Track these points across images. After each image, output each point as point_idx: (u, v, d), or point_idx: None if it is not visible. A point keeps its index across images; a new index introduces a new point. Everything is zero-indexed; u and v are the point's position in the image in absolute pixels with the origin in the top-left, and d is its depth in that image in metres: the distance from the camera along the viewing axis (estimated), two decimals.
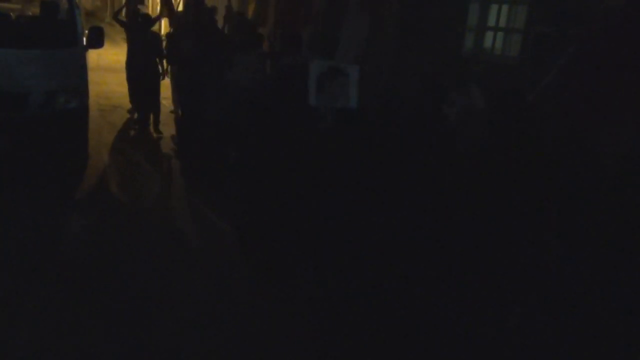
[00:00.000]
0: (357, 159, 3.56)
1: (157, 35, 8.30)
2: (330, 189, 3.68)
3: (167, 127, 7.69)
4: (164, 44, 7.87)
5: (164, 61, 7.70)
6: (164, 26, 9.19)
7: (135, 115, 7.97)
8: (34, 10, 7.84)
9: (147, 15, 8.65)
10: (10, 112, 5.21)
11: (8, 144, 5.26)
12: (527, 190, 2.87)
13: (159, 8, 9.41)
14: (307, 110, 3.74)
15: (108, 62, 10.29)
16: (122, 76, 8.07)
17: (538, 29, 5.50)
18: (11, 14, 7.57)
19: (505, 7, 6.23)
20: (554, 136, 3.20)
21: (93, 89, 6.64)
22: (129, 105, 8.23)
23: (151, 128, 7.66)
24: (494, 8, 6.32)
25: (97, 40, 6.35)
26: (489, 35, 6.41)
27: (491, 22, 6.36)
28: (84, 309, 3.35)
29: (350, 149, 3.64)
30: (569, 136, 3.15)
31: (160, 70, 7.69)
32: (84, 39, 6.30)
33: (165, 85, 7.92)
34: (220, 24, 9.00)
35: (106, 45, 6.28)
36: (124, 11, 9.52)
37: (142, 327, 3.24)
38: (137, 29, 7.63)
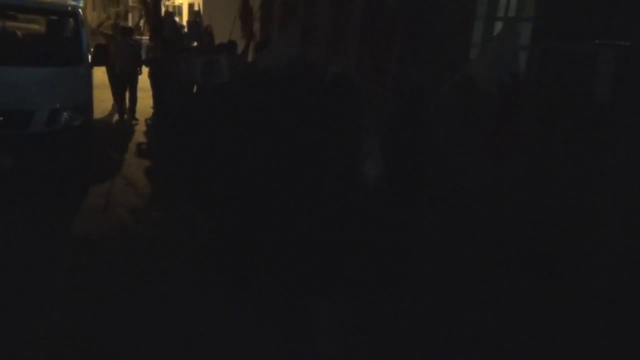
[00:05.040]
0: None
1: (137, 43, 9.83)
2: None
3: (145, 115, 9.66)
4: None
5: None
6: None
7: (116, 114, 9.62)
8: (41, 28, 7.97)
9: (125, 28, 10.22)
10: (15, 130, 5.19)
11: (12, 161, 5.23)
12: None
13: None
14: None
15: None
16: None
17: (543, 45, 5.49)
18: (17, 31, 7.61)
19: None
20: None
21: (98, 105, 6.68)
22: (132, 121, 9.47)
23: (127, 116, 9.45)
24: (498, 25, 6.32)
25: (102, 58, 6.37)
26: None
27: None
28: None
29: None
30: None
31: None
32: (89, 56, 6.32)
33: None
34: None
35: None
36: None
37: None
38: (118, 38, 9.37)
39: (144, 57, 9.57)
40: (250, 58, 8.57)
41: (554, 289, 4.14)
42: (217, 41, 9.44)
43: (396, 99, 4.08)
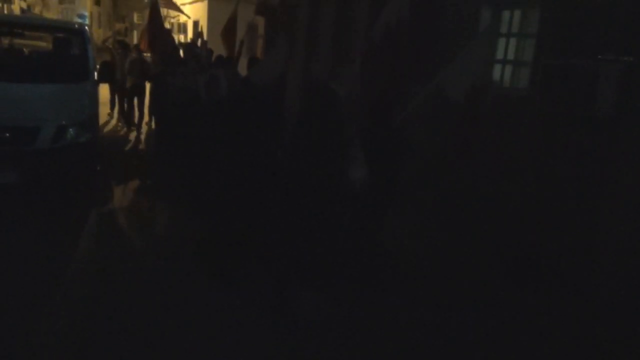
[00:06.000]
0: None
1: (142, 59, 9.87)
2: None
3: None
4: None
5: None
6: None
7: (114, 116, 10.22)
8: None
9: (137, 45, 10.38)
10: (21, 146, 5.21)
11: (18, 177, 5.25)
12: None
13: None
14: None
15: None
16: None
17: (546, 61, 5.51)
18: (24, 48, 7.71)
19: (513, 40, 6.27)
20: None
21: (103, 121, 6.71)
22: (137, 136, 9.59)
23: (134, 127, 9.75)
24: (502, 41, 6.37)
25: (107, 75, 6.42)
26: (498, 67, 6.44)
27: (499, 54, 6.39)
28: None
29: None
30: None
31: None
32: (96, 73, 6.38)
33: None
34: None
35: None
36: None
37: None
38: (122, 54, 9.85)
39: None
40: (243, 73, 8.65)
41: (554, 293, 4.12)
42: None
43: (366, 106, 4.27)
